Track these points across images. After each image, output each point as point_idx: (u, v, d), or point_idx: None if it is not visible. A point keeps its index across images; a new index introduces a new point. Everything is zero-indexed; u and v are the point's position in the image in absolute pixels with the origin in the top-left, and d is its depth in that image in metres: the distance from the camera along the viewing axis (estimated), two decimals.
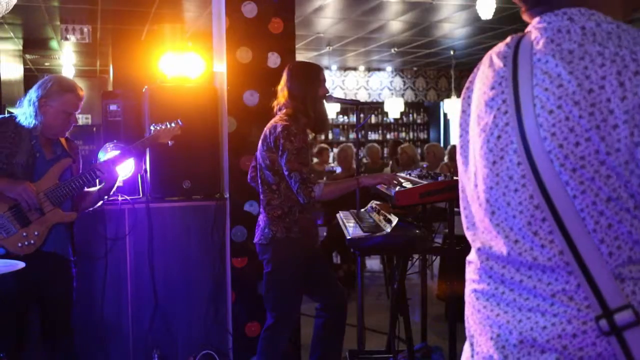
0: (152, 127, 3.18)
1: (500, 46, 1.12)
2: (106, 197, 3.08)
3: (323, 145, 7.94)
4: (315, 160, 7.51)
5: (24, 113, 2.80)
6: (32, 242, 2.73)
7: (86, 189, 2.99)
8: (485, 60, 1.14)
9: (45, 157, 2.83)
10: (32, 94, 2.81)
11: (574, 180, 0.94)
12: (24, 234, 2.72)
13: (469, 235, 1.16)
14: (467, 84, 1.20)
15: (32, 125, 2.77)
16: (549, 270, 0.99)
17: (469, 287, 1.14)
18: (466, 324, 1.15)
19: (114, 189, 3.07)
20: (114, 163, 2.95)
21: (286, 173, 2.89)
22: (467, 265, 1.16)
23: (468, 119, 1.16)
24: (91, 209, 3.12)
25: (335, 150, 7.54)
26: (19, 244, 2.71)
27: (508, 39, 1.11)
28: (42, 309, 2.90)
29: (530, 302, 1.01)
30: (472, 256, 1.15)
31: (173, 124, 3.18)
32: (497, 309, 1.05)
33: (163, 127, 3.16)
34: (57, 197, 2.79)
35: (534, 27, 1.06)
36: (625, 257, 0.95)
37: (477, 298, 1.10)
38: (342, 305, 3.17)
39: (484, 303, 1.08)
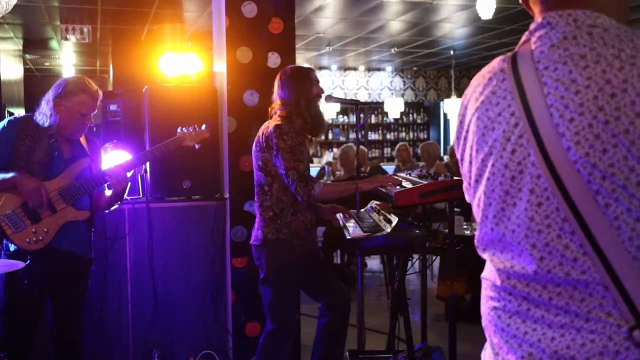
0: (179, 130, 3.15)
1: (492, 65, 1.09)
2: (118, 202, 3.07)
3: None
4: (330, 160, 7.41)
5: (41, 113, 2.85)
6: (40, 238, 2.76)
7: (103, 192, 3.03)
8: (479, 79, 1.11)
9: (63, 156, 2.87)
10: (49, 93, 2.87)
11: (606, 188, 0.91)
12: (34, 230, 2.76)
13: (484, 256, 1.12)
14: (461, 106, 1.16)
15: (47, 125, 2.82)
16: (582, 285, 0.94)
17: (487, 304, 1.09)
18: (489, 341, 1.10)
19: (125, 194, 3.07)
20: (125, 168, 2.96)
21: (283, 172, 2.87)
22: (482, 281, 1.12)
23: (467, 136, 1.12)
24: (106, 211, 3.13)
25: (336, 150, 7.58)
26: (27, 240, 2.74)
27: (497, 59, 1.08)
28: (54, 307, 2.91)
29: (561, 318, 0.96)
30: (487, 273, 1.11)
31: (203, 127, 3.18)
32: (524, 326, 1.00)
33: (191, 129, 3.15)
34: (71, 196, 2.83)
35: (533, 36, 1.03)
36: None
37: (499, 316, 1.05)
38: (345, 305, 3.14)
39: (507, 321, 1.03)
